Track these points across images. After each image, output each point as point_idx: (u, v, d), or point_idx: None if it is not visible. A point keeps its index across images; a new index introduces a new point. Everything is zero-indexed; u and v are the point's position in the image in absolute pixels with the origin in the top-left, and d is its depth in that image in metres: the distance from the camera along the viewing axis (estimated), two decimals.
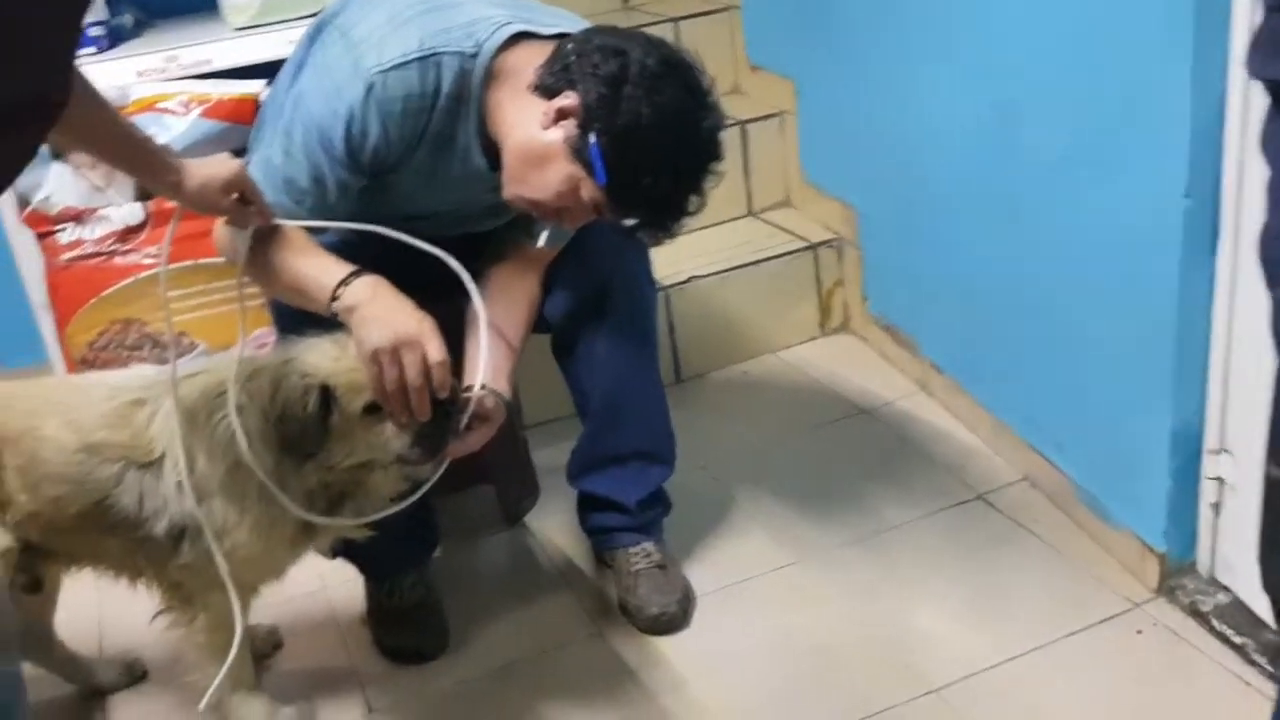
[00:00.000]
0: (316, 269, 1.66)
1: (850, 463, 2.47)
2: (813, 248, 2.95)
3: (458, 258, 1.70)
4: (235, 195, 1.62)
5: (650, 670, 1.97)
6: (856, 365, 2.85)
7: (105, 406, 1.72)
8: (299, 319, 1.72)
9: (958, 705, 1.82)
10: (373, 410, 1.63)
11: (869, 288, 2.87)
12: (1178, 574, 1.99)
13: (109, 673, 2.03)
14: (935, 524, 2.25)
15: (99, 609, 2.16)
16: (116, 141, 1.57)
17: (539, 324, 1.98)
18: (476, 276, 1.86)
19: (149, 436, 1.69)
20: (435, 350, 1.57)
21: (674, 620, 2.04)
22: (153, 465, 1.69)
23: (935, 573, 2.13)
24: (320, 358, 1.63)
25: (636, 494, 2.09)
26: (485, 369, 1.73)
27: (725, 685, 1.92)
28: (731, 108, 3.12)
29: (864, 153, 2.75)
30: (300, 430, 1.61)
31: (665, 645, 2.02)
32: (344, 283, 1.62)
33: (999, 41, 2.16)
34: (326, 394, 1.61)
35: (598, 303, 1.95)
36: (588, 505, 2.15)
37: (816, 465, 2.48)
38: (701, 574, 2.17)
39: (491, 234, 1.94)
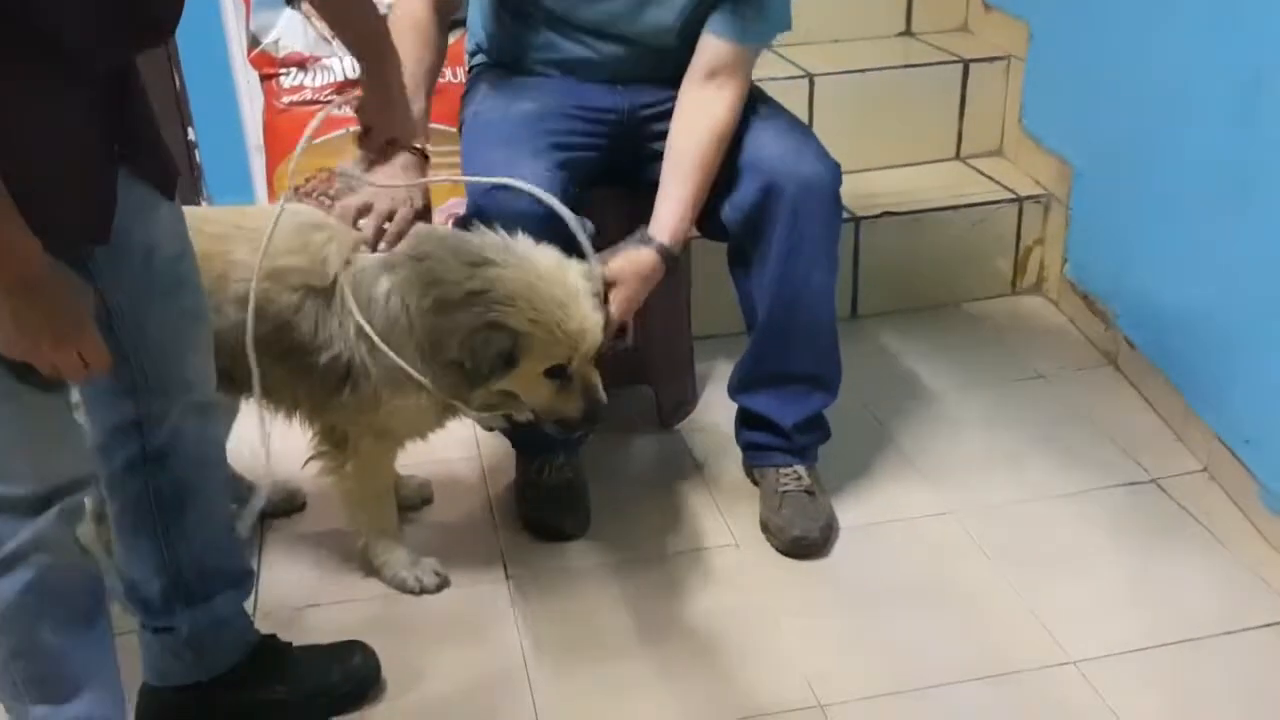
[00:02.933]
0: None
1: (1021, 425, 2.38)
2: (1018, 201, 2.83)
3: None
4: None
5: (781, 591, 1.97)
6: (1043, 328, 2.74)
7: (289, 231, 1.75)
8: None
9: (1094, 681, 1.75)
10: (550, 374, 1.68)
11: (1071, 250, 2.74)
12: None
13: (274, 498, 2.12)
14: (1102, 500, 2.16)
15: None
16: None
17: (718, 231, 1.97)
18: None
19: (322, 258, 1.74)
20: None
21: (814, 546, 2.02)
22: (326, 291, 1.74)
23: (1094, 547, 2.04)
24: (519, 317, 1.63)
25: (794, 416, 2.07)
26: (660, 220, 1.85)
27: (856, 619, 1.90)
28: (956, 45, 3.02)
29: (1092, 109, 2.60)
30: (474, 370, 1.64)
31: (802, 571, 2.01)
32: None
33: (1254, 6, 2.01)
34: (513, 349, 1.64)
35: (779, 218, 1.91)
36: (745, 421, 2.14)
37: (985, 422, 2.40)
38: (851, 508, 2.14)
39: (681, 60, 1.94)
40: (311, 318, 1.74)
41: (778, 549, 2.04)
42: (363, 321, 1.69)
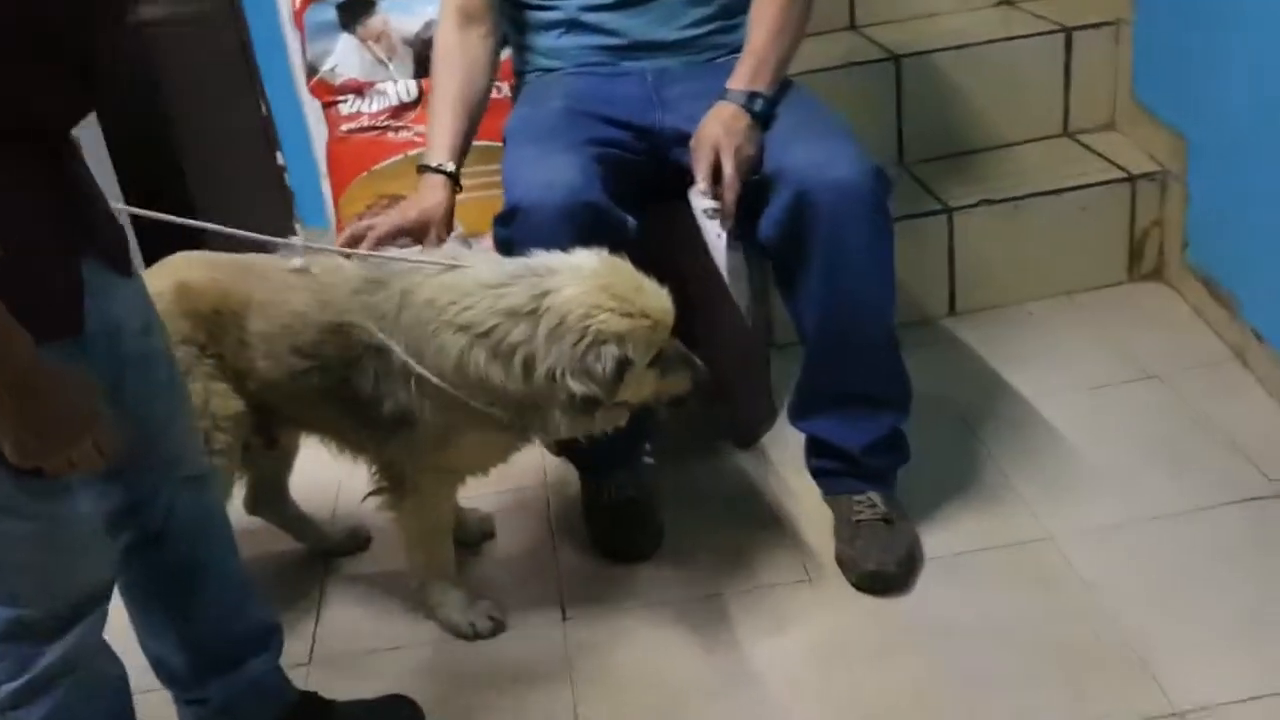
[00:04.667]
0: (430, 134, 1.92)
1: (1133, 432, 2.18)
2: (1131, 179, 2.59)
3: None
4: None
5: (856, 634, 1.83)
6: (1162, 320, 2.50)
7: (348, 291, 1.70)
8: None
9: None
10: (652, 364, 1.61)
11: (1192, 232, 2.49)
12: None
13: (335, 536, 2.11)
14: (1221, 518, 1.95)
15: (339, 474, 2.23)
16: None
17: (760, 250, 1.86)
18: None
19: (380, 315, 1.67)
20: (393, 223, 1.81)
21: (891, 580, 1.88)
22: (385, 347, 1.67)
23: (1209, 575, 1.84)
24: (613, 320, 1.55)
25: (861, 440, 1.92)
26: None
27: (937, 663, 1.75)
28: (1057, 11, 2.79)
29: (1208, 75, 2.35)
30: (604, 391, 1.56)
31: (878, 607, 1.87)
32: (424, 166, 1.88)
33: None
34: (626, 353, 1.56)
35: (816, 231, 1.76)
36: (812, 448, 2.01)
37: (1093, 430, 2.20)
38: (938, 536, 1.99)
39: None
40: (370, 372, 1.69)
41: (854, 585, 1.90)
42: (434, 379, 1.63)
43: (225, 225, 1.57)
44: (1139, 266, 2.65)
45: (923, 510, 2.03)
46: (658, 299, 1.61)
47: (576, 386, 1.54)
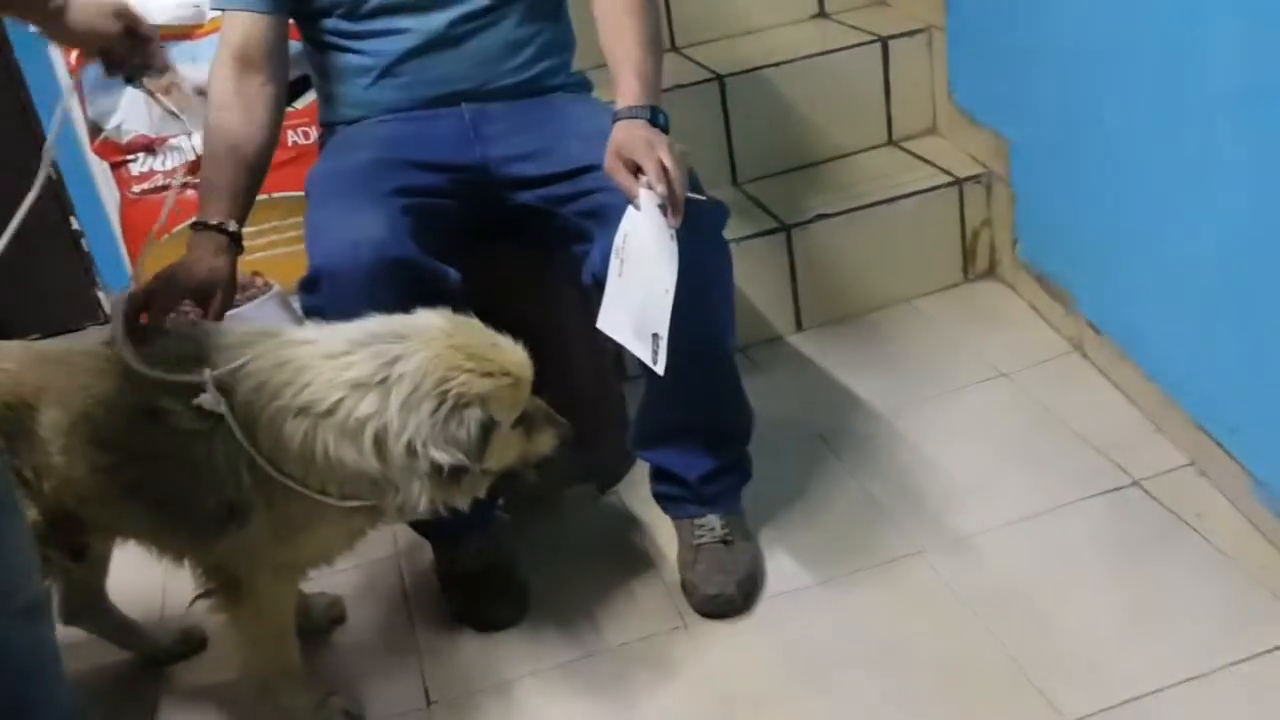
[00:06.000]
0: (205, 190, 1.70)
1: (988, 436, 2.17)
2: (958, 183, 2.61)
3: None
4: (122, 26, 1.52)
5: (738, 677, 1.75)
6: (1001, 319, 2.52)
7: (164, 365, 1.52)
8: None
9: None
10: (515, 424, 1.52)
11: (1021, 230, 2.52)
12: None
13: (165, 640, 1.91)
14: (1081, 514, 1.95)
15: (164, 570, 2.04)
16: None
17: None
18: None
19: (197, 403, 1.50)
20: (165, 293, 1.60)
21: (731, 603, 1.84)
22: (205, 434, 1.51)
23: (1077, 575, 1.83)
24: (471, 381, 1.44)
25: (702, 467, 1.88)
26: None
27: (823, 698, 1.69)
28: (872, 22, 2.80)
29: (1021, 76, 2.38)
30: (469, 459, 1.44)
31: (755, 645, 1.80)
32: (202, 224, 1.65)
33: None
34: (489, 415, 1.45)
35: None
36: (654, 473, 1.96)
37: (947, 436, 2.19)
38: (804, 562, 1.93)
39: None
40: (187, 464, 1.51)
41: (695, 609, 1.86)
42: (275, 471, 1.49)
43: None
44: (973, 267, 2.67)
45: (788, 537, 1.98)
46: (515, 354, 1.51)
47: (441, 456, 1.43)
